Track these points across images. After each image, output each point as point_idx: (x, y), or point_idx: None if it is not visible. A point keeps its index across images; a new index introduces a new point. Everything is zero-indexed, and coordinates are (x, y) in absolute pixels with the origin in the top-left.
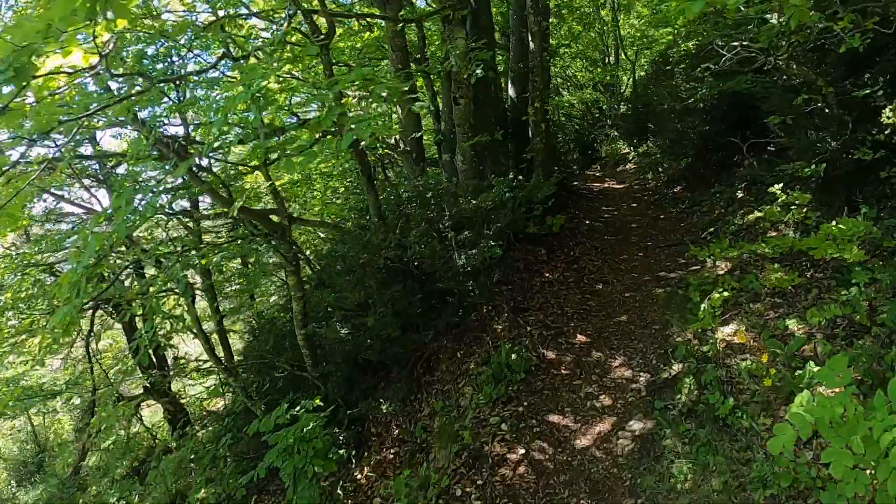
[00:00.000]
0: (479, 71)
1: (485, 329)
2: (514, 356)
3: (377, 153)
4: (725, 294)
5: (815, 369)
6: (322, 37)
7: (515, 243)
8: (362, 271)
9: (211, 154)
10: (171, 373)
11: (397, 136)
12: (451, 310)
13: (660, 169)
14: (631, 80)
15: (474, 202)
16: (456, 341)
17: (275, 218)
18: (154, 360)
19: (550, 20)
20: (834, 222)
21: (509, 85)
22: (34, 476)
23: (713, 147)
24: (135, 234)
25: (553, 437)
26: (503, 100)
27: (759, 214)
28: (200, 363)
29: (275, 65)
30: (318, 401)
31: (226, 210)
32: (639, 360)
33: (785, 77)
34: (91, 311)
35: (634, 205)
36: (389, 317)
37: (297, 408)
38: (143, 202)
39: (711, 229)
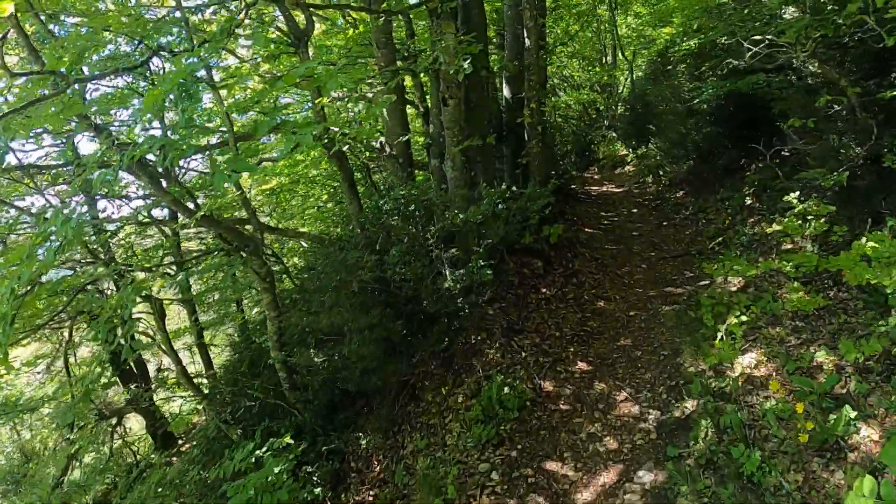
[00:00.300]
0: (466, 65)
1: (475, 354)
2: (506, 389)
3: (363, 157)
4: (743, 318)
5: (852, 414)
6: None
7: (509, 256)
8: (337, 294)
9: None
10: (153, 386)
11: (383, 140)
12: (437, 334)
13: (660, 172)
14: (629, 80)
15: (462, 216)
16: (444, 367)
17: (247, 229)
18: (135, 371)
19: (546, 18)
20: (864, 239)
21: (504, 85)
22: (20, 486)
23: (718, 150)
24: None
25: (550, 490)
26: (497, 101)
27: (777, 227)
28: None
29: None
30: (288, 438)
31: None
32: (647, 394)
33: (802, 76)
34: (69, 321)
35: (635, 210)
36: (367, 345)
37: (264, 448)
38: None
39: (719, 239)
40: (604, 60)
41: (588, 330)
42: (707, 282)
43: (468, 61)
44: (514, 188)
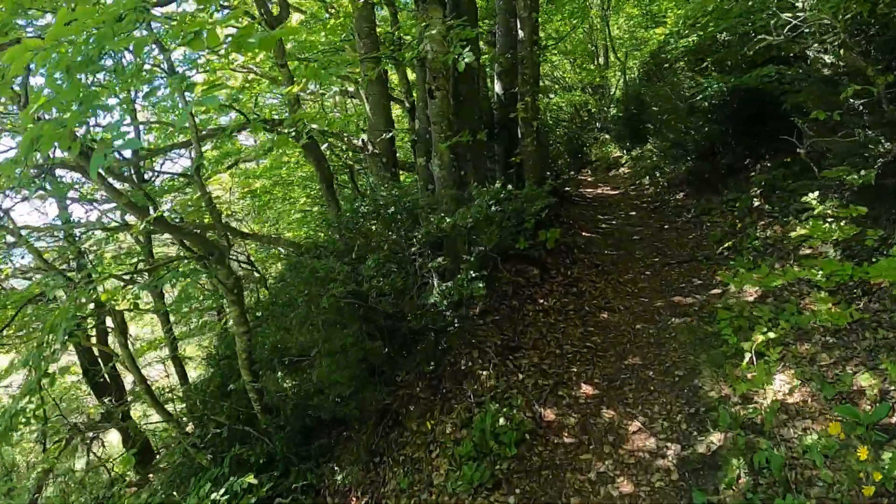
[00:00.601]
0: (466, 55)
1: (466, 377)
2: (502, 420)
3: (345, 157)
4: (771, 335)
5: None
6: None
7: (503, 263)
8: (306, 309)
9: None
10: (129, 400)
11: (365, 138)
12: (423, 353)
13: (657, 173)
14: (621, 81)
15: (450, 220)
16: (430, 391)
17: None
18: (110, 384)
19: (539, 14)
20: None
21: (495, 80)
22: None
23: (721, 149)
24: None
25: None
26: (488, 96)
27: (803, 231)
28: (159, 390)
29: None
30: (250, 477)
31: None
32: (663, 423)
33: (818, 67)
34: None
35: (633, 213)
36: (341, 369)
37: (222, 492)
38: None
39: (728, 244)
40: (595, 62)
41: (592, 346)
42: (719, 290)
43: (467, 48)
44: (508, 188)
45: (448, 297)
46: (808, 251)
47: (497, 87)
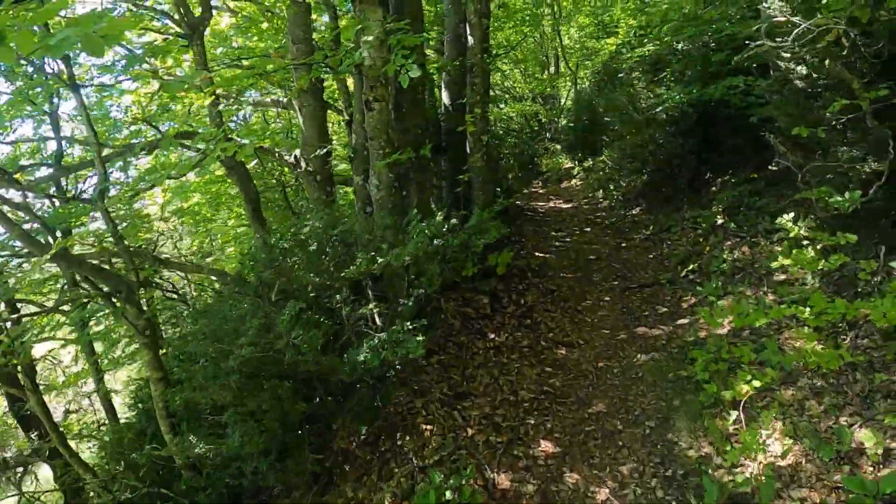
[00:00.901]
0: (410, 68)
1: (408, 432)
2: (448, 494)
3: (277, 174)
4: (756, 384)
5: None
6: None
7: (449, 291)
8: (214, 367)
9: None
10: (54, 435)
11: (297, 153)
12: (359, 405)
13: (611, 186)
14: (572, 91)
15: (382, 260)
16: (368, 448)
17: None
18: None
19: (490, 22)
20: None
21: (443, 90)
22: None
23: (680, 163)
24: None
25: None
26: (436, 107)
27: (786, 261)
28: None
29: None
30: None
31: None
32: (636, 490)
33: (792, 78)
34: None
35: (588, 229)
36: (256, 436)
37: None
38: None
39: (693, 266)
40: (547, 71)
41: (550, 391)
42: (687, 320)
43: (411, 58)
44: (453, 219)
45: (380, 353)
46: (782, 277)
47: (445, 98)
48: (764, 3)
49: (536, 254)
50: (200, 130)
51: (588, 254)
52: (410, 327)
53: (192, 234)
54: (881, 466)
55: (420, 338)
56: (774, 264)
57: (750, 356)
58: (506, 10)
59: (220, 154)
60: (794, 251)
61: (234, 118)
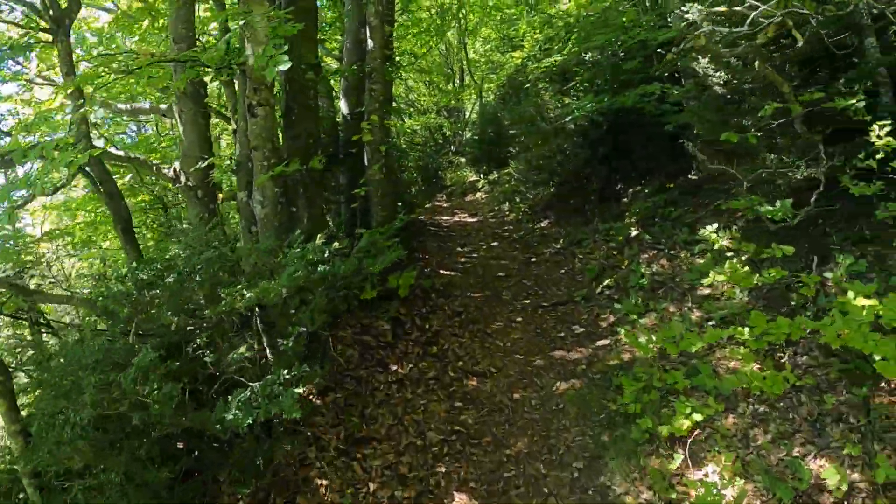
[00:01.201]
0: (279, 59)
1: (299, 489)
2: None
3: (157, 190)
4: (697, 417)
5: None
6: None
7: (346, 317)
8: (62, 424)
9: None
10: None
11: (177, 166)
12: (241, 462)
13: (518, 198)
14: (477, 103)
15: (250, 294)
16: None
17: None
18: None
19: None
20: (854, 296)
21: (342, 96)
22: None
23: (589, 173)
24: None
25: None
26: (334, 116)
27: (721, 277)
28: None
29: None
30: None
31: None
32: None
33: (711, 84)
34: None
35: (495, 244)
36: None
37: None
38: None
39: (608, 281)
40: (452, 83)
41: (462, 430)
42: (607, 340)
43: (283, 48)
44: (335, 244)
45: (252, 411)
46: (706, 291)
47: (343, 106)
48: (682, 8)
49: (441, 272)
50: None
51: (496, 270)
52: (288, 376)
53: (75, 256)
54: None
55: (298, 390)
56: (705, 281)
57: (684, 382)
58: (409, 13)
59: (65, 163)
60: (726, 265)
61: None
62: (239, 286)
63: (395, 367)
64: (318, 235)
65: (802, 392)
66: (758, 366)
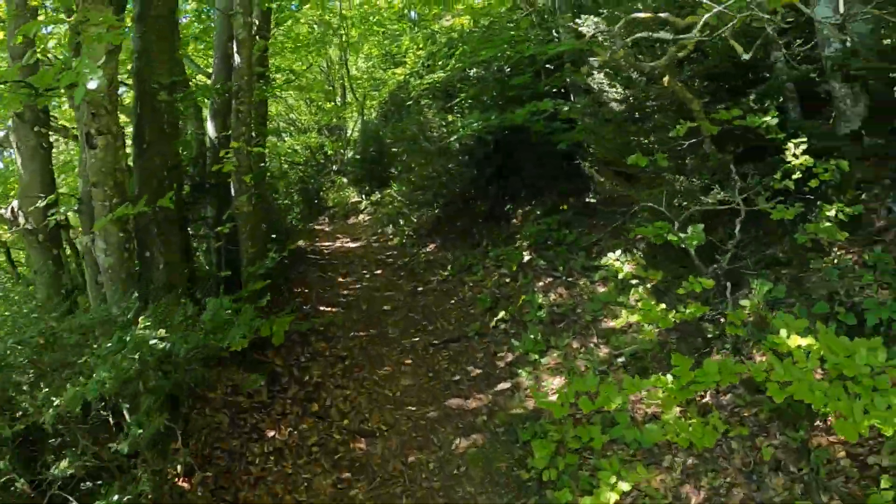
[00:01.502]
0: (94, 72)
1: None
2: None
3: None
4: (624, 487)
5: None
6: None
7: (217, 370)
8: None
9: None
10: None
11: (14, 205)
12: None
13: (402, 221)
14: (359, 122)
15: (57, 402)
16: None
17: None
18: None
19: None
20: (787, 334)
21: (209, 118)
22: None
23: (475, 194)
24: None
25: None
26: (202, 139)
27: (635, 317)
28: None
29: None
30: None
31: None
32: None
33: (606, 101)
34: None
35: (379, 272)
36: None
37: None
38: None
39: (503, 315)
40: (333, 102)
41: None
42: (507, 384)
43: (98, 63)
44: (186, 312)
45: None
46: (611, 323)
47: (210, 130)
48: (577, 20)
49: (322, 308)
50: None
51: (381, 303)
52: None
53: None
54: None
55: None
56: (617, 322)
57: (601, 438)
58: (287, 32)
59: None
60: (631, 294)
61: None
62: (45, 389)
63: (272, 433)
64: (145, 320)
65: (733, 438)
66: (680, 409)
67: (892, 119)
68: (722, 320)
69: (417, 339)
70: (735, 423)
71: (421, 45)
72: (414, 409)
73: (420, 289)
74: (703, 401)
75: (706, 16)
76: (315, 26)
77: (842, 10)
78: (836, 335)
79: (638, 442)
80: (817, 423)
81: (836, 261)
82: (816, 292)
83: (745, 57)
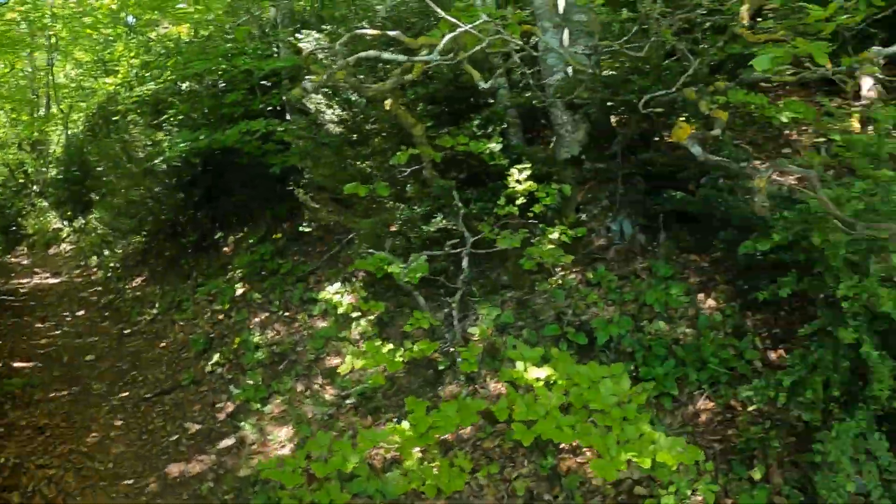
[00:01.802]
0: None
1: None
2: None
3: None
4: None
5: None
6: None
7: None
8: None
9: None
10: None
11: None
12: None
13: (106, 251)
14: (63, 136)
15: None
16: None
17: None
18: None
19: None
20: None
21: None
22: None
23: (183, 221)
24: None
25: None
26: None
27: (361, 363)
28: None
29: None
30: None
31: None
32: None
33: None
34: None
35: (82, 313)
36: None
37: None
38: None
39: (218, 357)
40: (36, 113)
41: None
42: (232, 440)
43: None
44: None
45: None
46: (335, 360)
47: None
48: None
49: (16, 364)
50: None
51: (85, 352)
52: None
53: None
54: None
55: None
56: (342, 368)
57: (342, 497)
58: None
59: None
60: (353, 328)
61: None
62: None
63: None
64: None
65: (477, 473)
66: (419, 451)
67: (610, 145)
68: (452, 350)
69: (127, 392)
70: (480, 457)
71: (135, 54)
72: (131, 482)
73: (127, 331)
74: (444, 437)
75: (448, 36)
76: (22, 22)
77: (566, 42)
78: (568, 356)
79: (382, 493)
80: (563, 445)
81: (560, 281)
82: (544, 314)
83: (484, 86)
